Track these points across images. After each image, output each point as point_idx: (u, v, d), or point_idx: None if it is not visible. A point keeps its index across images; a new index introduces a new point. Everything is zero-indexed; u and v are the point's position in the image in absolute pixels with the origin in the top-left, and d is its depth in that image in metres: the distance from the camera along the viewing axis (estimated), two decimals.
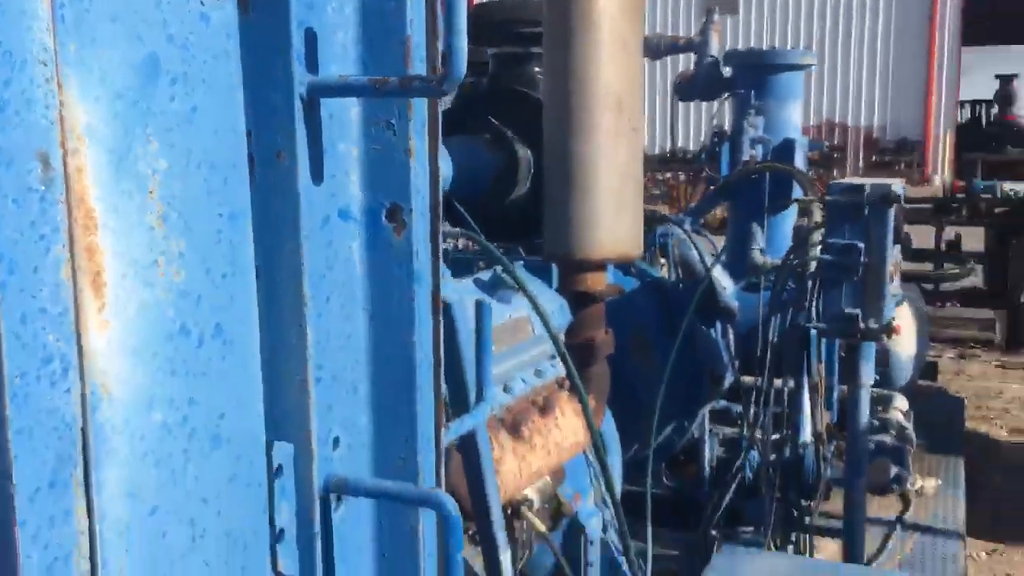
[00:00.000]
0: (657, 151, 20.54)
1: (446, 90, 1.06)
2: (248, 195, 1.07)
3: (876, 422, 5.13)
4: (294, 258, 1.09)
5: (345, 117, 1.16)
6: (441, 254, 1.26)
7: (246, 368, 1.07)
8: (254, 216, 1.07)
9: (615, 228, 3.03)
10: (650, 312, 4.42)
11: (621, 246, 3.07)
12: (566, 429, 2.86)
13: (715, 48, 6.68)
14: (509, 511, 2.78)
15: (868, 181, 3.71)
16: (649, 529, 3.61)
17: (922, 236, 11.02)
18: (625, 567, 3.28)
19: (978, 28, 25.31)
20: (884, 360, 6.11)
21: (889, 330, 3.64)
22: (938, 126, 28.35)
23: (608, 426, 3.50)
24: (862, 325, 3.65)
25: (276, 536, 1.10)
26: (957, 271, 7.44)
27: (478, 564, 2.25)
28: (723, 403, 4.87)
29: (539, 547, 3.22)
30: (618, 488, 3.49)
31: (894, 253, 3.80)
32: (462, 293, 1.52)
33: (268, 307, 1.09)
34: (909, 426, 5.07)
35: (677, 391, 4.48)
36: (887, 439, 4.85)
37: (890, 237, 3.66)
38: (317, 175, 1.12)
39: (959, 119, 26.54)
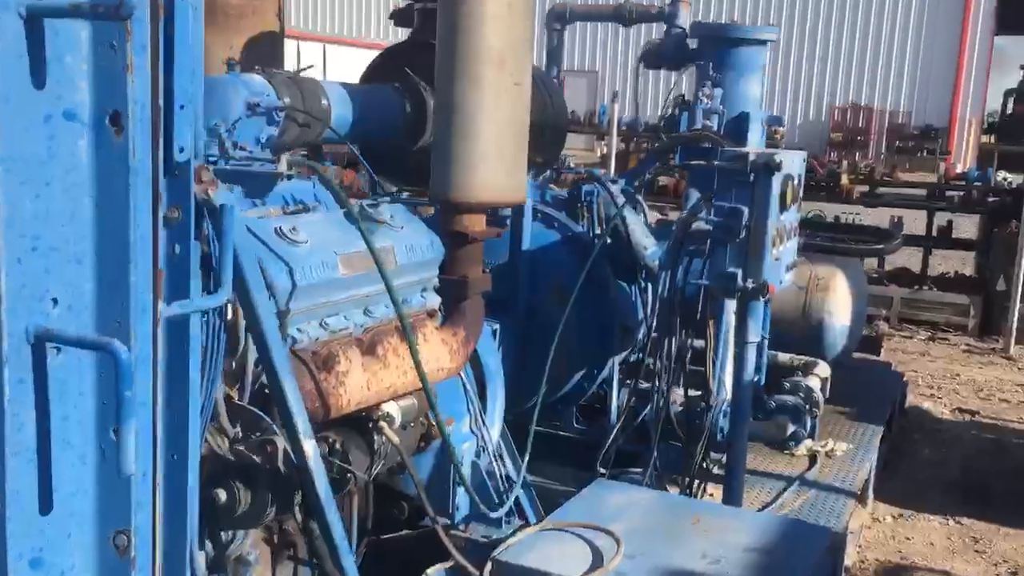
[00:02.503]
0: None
1: (123, 14, 1.33)
2: None
3: (787, 384, 5.40)
4: (15, 148, 1.37)
5: (74, 36, 1.44)
6: (164, 155, 1.54)
7: None
8: None
9: (493, 174, 3.29)
10: (568, 264, 4.67)
11: (499, 192, 3.33)
12: (427, 355, 3.14)
13: (684, 19, 6.86)
14: (371, 423, 3.08)
15: (757, 150, 3.93)
16: (525, 460, 3.89)
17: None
18: (492, 489, 3.57)
19: (1016, 14, 24.79)
20: (816, 329, 6.36)
21: (764, 291, 3.88)
22: (964, 114, 28.09)
23: (492, 358, 3.78)
24: (740, 284, 3.89)
25: None
26: (882, 247, 7.62)
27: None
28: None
29: (413, 462, 3.52)
30: (498, 415, 3.78)
31: (782, 219, 4.03)
32: (232, 201, 1.77)
33: None
34: (817, 391, 5.33)
35: (589, 341, 4.75)
36: (790, 399, 5.11)
37: (773, 204, 3.88)
38: (39, 81, 1.39)
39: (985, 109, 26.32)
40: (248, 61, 3.64)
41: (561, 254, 4.68)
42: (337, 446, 3.02)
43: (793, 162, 4.15)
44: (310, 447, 2.34)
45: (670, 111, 6.59)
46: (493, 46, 3.22)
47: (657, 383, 4.38)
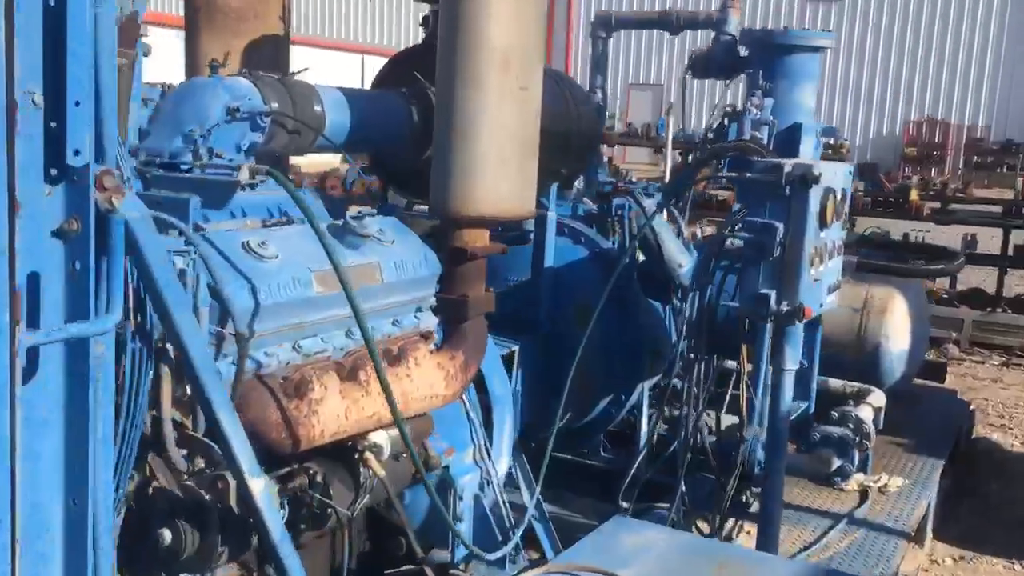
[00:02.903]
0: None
1: None
2: None
3: (835, 414, 5.03)
4: None
5: None
6: (51, 158, 1.34)
7: None
8: None
9: (495, 186, 3.04)
10: (594, 282, 4.40)
11: (502, 205, 3.08)
12: (419, 380, 2.90)
13: (734, 26, 6.55)
14: (357, 454, 2.85)
15: (792, 161, 3.62)
16: (537, 490, 3.62)
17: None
18: (495, 524, 3.31)
19: None
20: (872, 355, 5.97)
21: (799, 314, 3.55)
22: None
23: (500, 383, 3.53)
24: (773, 307, 3.57)
25: None
26: (941, 266, 7.15)
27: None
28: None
29: (412, 494, 3.28)
30: (506, 445, 3.52)
31: (822, 237, 3.71)
32: (140, 212, 1.55)
33: None
34: (869, 421, 4.95)
35: (615, 364, 4.47)
36: (836, 431, 4.75)
37: (811, 220, 3.56)
38: None
39: None
40: (248, 66, 3.45)
41: (587, 271, 4.41)
42: (318, 478, 2.79)
43: (836, 175, 3.82)
44: (258, 486, 2.11)
45: (718, 122, 6.29)
46: (497, 47, 2.98)
47: (685, 410, 4.07)
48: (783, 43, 6.16)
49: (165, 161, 2.56)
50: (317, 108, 3.11)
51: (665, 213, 4.91)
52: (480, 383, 3.44)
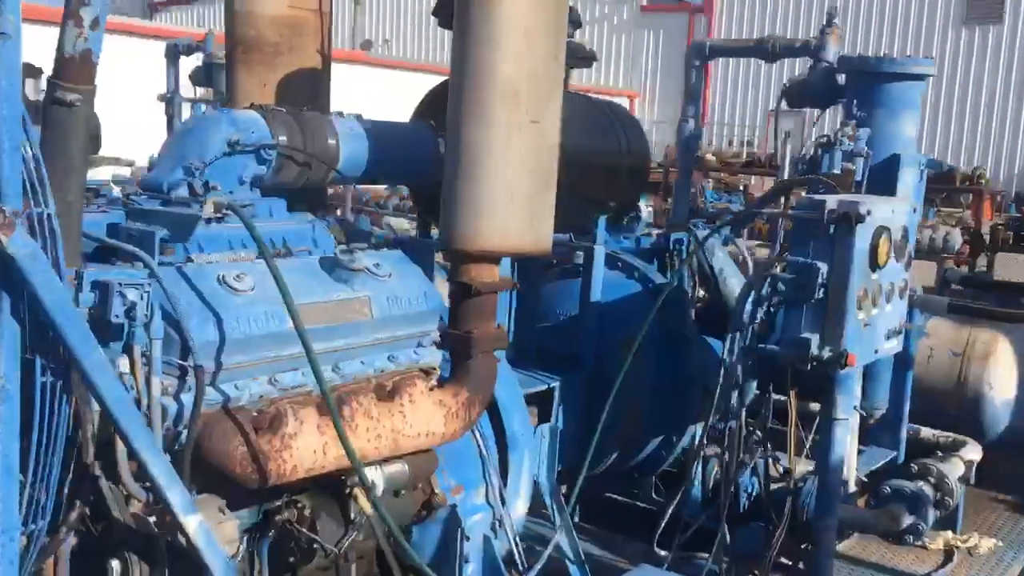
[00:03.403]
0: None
1: None
2: None
3: (915, 467, 4.70)
4: None
5: None
6: None
7: None
8: None
9: (503, 221, 2.97)
10: (644, 317, 4.25)
11: (510, 239, 3.00)
12: (413, 417, 2.84)
13: (832, 53, 6.29)
14: (347, 490, 2.81)
15: (841, 197, 3.40)
16: (558, 527, 3.50)
17: None
18: (504, 567, 3.22)
19: None
20: (973, 404, 5.55)
21: (841, 361, 3.32)
22: None
23: (519, 422, 3.43)
24: (814, 351, 3.35)
25: None
26: None
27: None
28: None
29: (420, 532, 3.22)
30: (523, 487, 3.43)
31: (875, 278, 3.47)
32: (28, 248, 1.56)
33: None
34: (953, 477, 4.59)
35: (665, 403, 4.30)
36: (909, 485, 4.43)
37: (857, 260, 3.34)
38: None
39: None
40: (283, 99, 3.50)
41: (638, 306, 4.26)
42: (306, 512, 2.78)
43: (894, 212, 3.58)
44: (192, 523, 2.09)
45: (811, 153, 6.03)
46: (506, 79, 2.91)
47: (730, 454, 3.87)
48: (881, 71, 5.86)
49: (151, 193, 2.61)
50: (331, 141, 3.12)
51: (732, 246, 4.73)
52: (496, 421, 3.36)
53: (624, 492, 4.64)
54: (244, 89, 3.52)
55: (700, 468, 4.32)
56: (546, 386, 4.05)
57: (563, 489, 4.50)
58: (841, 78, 6.15)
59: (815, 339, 3.38)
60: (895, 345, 3.77)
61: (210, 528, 2.24)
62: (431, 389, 2.96)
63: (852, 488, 4.67)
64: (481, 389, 3.08)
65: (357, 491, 2.80)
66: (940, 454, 4.97)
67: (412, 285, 2.91)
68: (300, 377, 2.62)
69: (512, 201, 2.97)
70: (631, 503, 4.60)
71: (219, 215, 2.43)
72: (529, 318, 4.46)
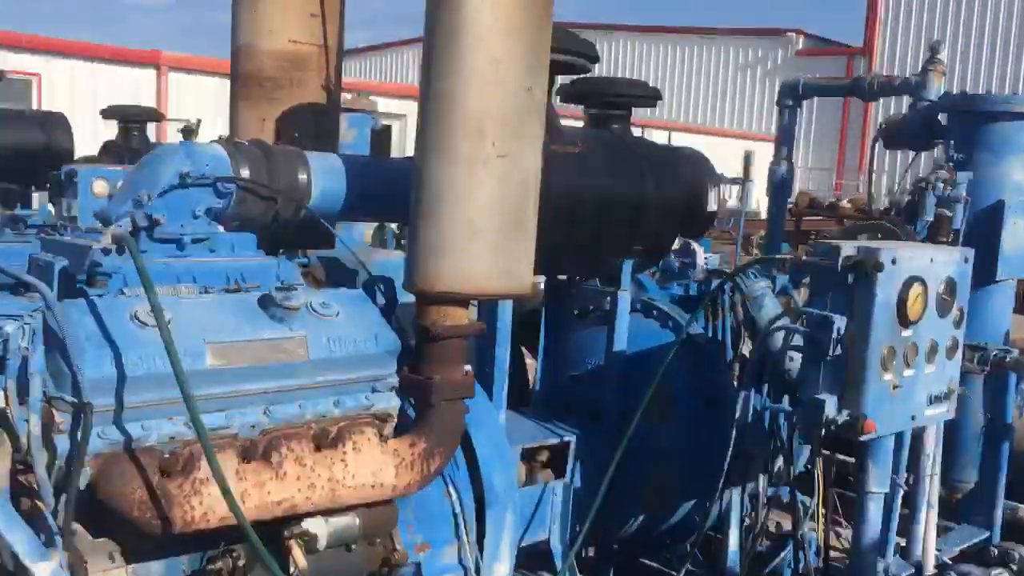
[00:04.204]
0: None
1: None
2: None
3: (995, 550, 4.17)
4: None
5: None
6: None
7: None
8: None
9: (465, 261, 2.79)
10: (676, 370, 3.96)
11: (475, 281, 2.82)
12: (356, 467, 2.68)
13: (935, 91, 5.83)
14: (286, 541, 2.67)
15: (855, 243, 3.05)
16: None
17: None
18: None
19: None
20: None
21: (856, 427, 2.94)
22: None
23: (502, 477, 3.21)
24: (830, 414, 2.99)
25: None
26: None
27: None
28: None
29: None
30: (505, 547, 3.20)
31: (907, 335, 3.09)
32: None
33: None
34: None
35: (698, 465, 3.97)
36: (978, 572, 3.91)
37: (879, 314, 2.97)
38: None
39: None
40: (283, 135, 3.45)
41: (676, 359, 3.95)
42: (240, 563, 2.65)
43: (932, 262, 3.18)
44: (43, 571, 1.99)
45: (908, 198, 5.57)
46: (470, 113, 2.75)
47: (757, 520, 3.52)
48: (984, 110, 5.37)
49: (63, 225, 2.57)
50: (302, 176, 3.02)
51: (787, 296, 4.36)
52: (475, 475, 3.15)
53: (661, 559, 4.30)
54: (244, 124, 3.49)
55: (740, 537, 3.96)
56: (559, 439, 3.81)
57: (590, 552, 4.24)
58: (944, 118, 5.71)
59: (832, 401, 3.01)
60: (943, 412, 3.33)
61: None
62: (384, 437, 2.79)
63: (930, 571, 4.21)
64: (443, 440, 2.89)
65: (293, 544, 2.66)
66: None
67: (362, 326, 2.76)
68: (224, 419, 2.50)
69: (475, 240, 2.79)
70: (665, 571, 4.26)
71: (114, 247, 2.35)
72: (558, 367, 4.24)
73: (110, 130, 9.15)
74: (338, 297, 2.79)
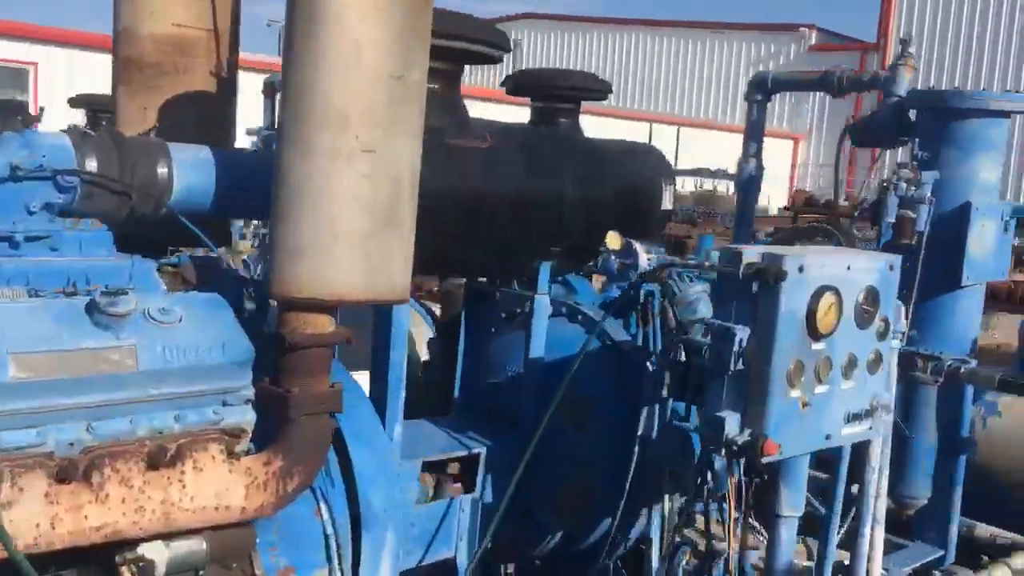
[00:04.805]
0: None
1: None
2: None
3: (939, 573, 3.92)
4: None
5: None
6: None
7: None
8: None
9: (327, 263, 2.56)
10: (599, 379, 3.72)
11: (338, 285, 2.59)
12: (196, 488, 2.45)
13: (904, 87, 5.56)
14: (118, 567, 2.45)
15: (760, 249, 2.79)
16: None
17: None
18: None
19: None
20: None
21: (755, 448, 2.69)
22: None
23: (380, 496, 2.98)
24: (730, 434, 2.74)
25: None
26: None
27: None
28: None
29: None
30: (385, 572, 2.97)
31: (820, 348, 2.84)
32: None
33: None
34: None
35: (618, 481, 3.72)
36: None
37: (784, 325, 2.71)
38: None
39: None
40: (167, 125, 3.22)
41: (593, 367, 3.71)
42: None
43: (850, 269, 2.92)
44: None
45: (872, 197, 5.31)
46: (330, 102, 2.52)
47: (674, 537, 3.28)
48: (953, 106, 5.09)
49: None
50: (161, 170, 2.79)
51: None
52: (351, 494, 2.92)
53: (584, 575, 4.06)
54: (124, 113, 3.27)
55: (663, 558, 3.72)
56: (467, 451, 3.58)
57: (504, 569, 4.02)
58: (913, 114, 5.44)
59: (733, 419, 2.76)
60: (862, 430, 3.07)
61: None
62: (234, 455, 2.56)
63: None
64: (303, 457, 2.66)
65: (123, 570, 2.44)
66: (985, 558, 4.15)
67: (209, 333, 2.53)
68: (34, 436, 2.27)
69: (338, 241, 2.56)
70: None
71: None
72: (480, 372, 4.01)
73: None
74: (185, 301, 2.56)
